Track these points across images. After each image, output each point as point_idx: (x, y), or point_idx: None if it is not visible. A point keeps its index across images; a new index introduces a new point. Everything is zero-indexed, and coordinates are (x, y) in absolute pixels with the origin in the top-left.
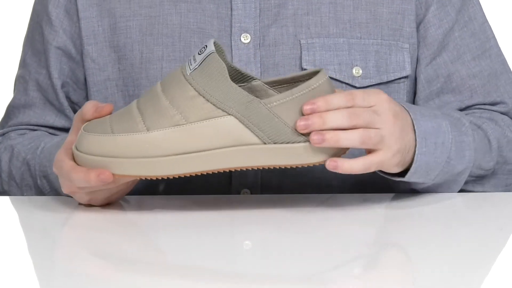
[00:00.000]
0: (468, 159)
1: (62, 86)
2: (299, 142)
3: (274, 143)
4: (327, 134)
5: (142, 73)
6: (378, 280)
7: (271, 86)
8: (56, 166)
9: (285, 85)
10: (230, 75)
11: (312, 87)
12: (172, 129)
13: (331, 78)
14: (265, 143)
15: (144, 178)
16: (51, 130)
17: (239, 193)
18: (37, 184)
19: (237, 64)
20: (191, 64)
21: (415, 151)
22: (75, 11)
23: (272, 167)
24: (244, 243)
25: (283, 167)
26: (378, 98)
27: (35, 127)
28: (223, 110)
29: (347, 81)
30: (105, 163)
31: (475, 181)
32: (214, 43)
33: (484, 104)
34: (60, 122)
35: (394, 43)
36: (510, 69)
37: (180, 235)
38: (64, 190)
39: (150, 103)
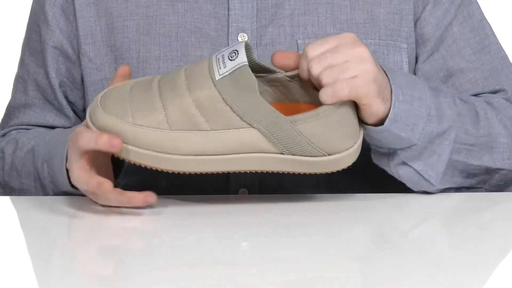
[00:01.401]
0: (450, 117)
1: (60, 85)
2: (317, 156)
3: (293, 154)
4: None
5: (139, 72)
6: (378, 280)
7: (292, 79)
8: (72, 133)
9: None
10: (253, 69)
11: (337, 108)
12: (195, 133)
13: None
14: (282, 153)
15: (158, 170)
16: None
17: (237, 192)
18: (37, 168)
19: None
20: (219, 68)
21: (391, 98)
22: (72, 10)
23: (288, 172)
24: (242, 244)
25: (296, 173)
26: (339, 37)
27: (36, 128)
28: (247, 123)
29: None
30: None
31: (469, 151)
32: (246, 45)
33: (484, 93)
34: (59, 121)
35: (392, 43)
36: (511, 64)
37: (180, 234)
38: (71, 166)
39: (173, 97)
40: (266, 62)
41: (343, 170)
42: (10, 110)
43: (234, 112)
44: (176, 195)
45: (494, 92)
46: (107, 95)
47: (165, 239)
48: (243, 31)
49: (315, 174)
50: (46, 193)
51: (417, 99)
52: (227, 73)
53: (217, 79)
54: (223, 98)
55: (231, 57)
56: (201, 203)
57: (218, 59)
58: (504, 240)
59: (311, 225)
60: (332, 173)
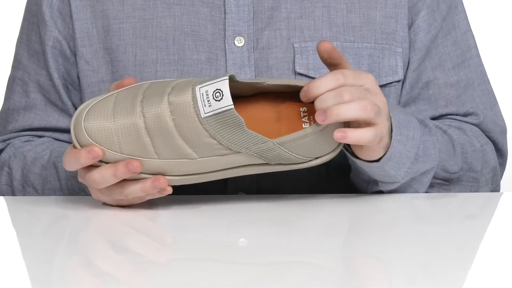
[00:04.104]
0: (434, 157)
1: (64, 86)
2: (304, 162)
3: (281, 164)
4: (328, 111)
5: (136, 76)
6: (376, 280)
7: (279, 90)
8: None
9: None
10: (240, 88)
11: (322, 128)
12: (184, 160)
13: None
14: (270, 164)
15: None
16: (55, 134)
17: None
18: (63, 186)
19: (231, 68)
20: (204, 105)
21: (391, 137)
22: (68, 12)
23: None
24: (239, 240)
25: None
26: (368, 78)
27: (39, 132)
28: (235, 152)
29: None
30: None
31: (441, 185)
32: (230, 77)
33: (457, 114)
34: (64, 122)
35: (387, 47)
36: (488, 80)
37: (179, 234)
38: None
39: (161, 136)
40: (262, 66)
41: (340, 173)
42: (9, 113)
43: (221, 145)
44: (175, 195)
45: (467, 115)
46: (92, 119)
47: (164, 237)
48: (240, 35)
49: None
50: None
51: (410, 139)
52: (212, 113)
53: (202, 117)
54: (210, 134)
55: (216, 96)
56: (199, 202)
57: (202, 94)
58: (487, 240)
59: (308, 223)
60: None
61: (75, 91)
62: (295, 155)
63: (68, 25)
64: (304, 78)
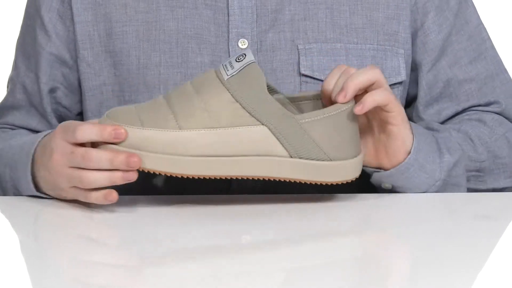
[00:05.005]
0: (456, 148)
1: (51, 91)
2: (323, 160)
3: (300, 157)
4: (344, 87)
5: (139, 78)
6: (376, 279)
7: (292, 102)
8: (61, 126)
9: (306, 101)
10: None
11: (343, 109)
12: (204, 131)
13: None
14: (291, 157)
15: (168, 175)
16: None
17: None
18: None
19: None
20: (227, 70)
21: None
22: (69, 15)
23: (294, 181)
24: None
25: (307, 183)
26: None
27: (19, 129)
28: (257, 119)
29: None
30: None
31: (477, 178)
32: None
33: (479, 105)
34: (42, 127)
35: (389, 49)
36: (505, 69)
37: (179, 233)
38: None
39: (182, 101)
40: (266, 68)
41: None
42: (0, 108)
43: (244, 109)
44: (175, 195)
45: (488, 104)
46: (113, 112)
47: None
48: (243, 37)
49: (320, 185)
50: (5, 195)
51: (427, 134)
52: (235, 73)
53: (225, 79)
54: (232, 95)
55: (238, 59)
56: (201, 201)
57: (225, 65)
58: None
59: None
60: (333, 187)
61: (72, 95)
62: (312, 139)
63: (69, 28)
64: (309, 79)
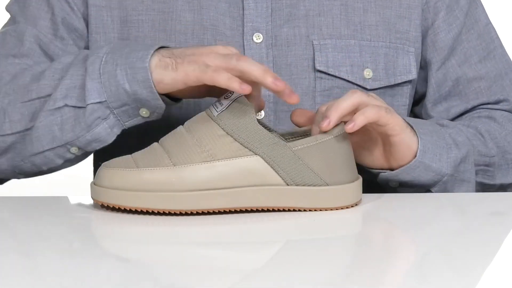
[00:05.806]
0: (465, 142)
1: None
2: (320, 185)
3: (296, 185)
4: (355, 118)
5: None
6: (375, 279)
7: (285, 139)
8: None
9: (298, 137)
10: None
11: (335, 134)
12: (199, 165)
13: (343, 79)
14: (288, 184)
15: (167, 212)
16: None
17: None
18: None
19: None
20: (217, 108)
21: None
22: None
23: (294, 209)
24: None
25: (307, 210)
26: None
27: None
28: (250, 150)
29: (358, 83)
30: (128, 196)
31: (485, 172)
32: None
33: (489, 103)
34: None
35: (400, 47)
36: None
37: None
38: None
39: (175, 142)
40: (281, 63)
41: None
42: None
43: (236, 140)
44: None
45: (498, 102)
46: (109, 161)
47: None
48: (258, 31)
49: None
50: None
51: (433, 132)
52: (224, 109)
53: (215, 115)
54: (223, 128)
55: (226, 96)
56: None
57: (215, 104)
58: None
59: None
60: None
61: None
62: (307, 165)
63: (84, 5)
64: (323, 75)
